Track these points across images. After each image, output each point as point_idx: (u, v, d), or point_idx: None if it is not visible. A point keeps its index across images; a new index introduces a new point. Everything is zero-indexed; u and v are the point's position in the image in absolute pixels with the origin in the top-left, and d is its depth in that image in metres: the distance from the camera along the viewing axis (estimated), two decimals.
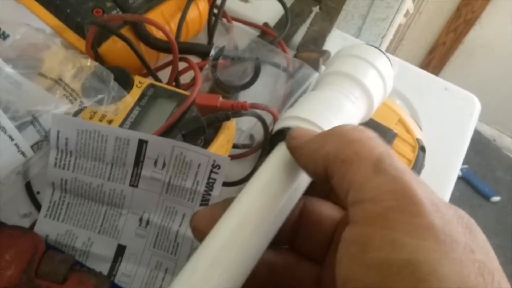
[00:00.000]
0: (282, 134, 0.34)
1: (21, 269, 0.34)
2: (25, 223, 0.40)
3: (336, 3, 0.60)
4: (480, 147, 1.97)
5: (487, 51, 1.79)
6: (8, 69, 0.37)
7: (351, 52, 0.41)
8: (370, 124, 0.44)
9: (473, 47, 1.81)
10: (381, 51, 0.41)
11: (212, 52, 0.45)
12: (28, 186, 0.42)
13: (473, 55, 1.82)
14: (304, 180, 0.33)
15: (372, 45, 0.41)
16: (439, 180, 0.50)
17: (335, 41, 0.59)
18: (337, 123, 0.34)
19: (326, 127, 0.33)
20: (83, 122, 0.36)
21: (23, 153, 0.34)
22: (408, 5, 0.85)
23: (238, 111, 0.39)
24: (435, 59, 1.89)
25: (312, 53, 0.55)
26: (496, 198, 1.79)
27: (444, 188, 0.50)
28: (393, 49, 1.91)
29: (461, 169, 1.80)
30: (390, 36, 0.70)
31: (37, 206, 0.41)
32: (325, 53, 0.55)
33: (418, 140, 0.45)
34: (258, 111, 0.42)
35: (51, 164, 0.38)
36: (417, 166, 0.44)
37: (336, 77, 0.39)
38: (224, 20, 0.56)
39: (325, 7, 0.60)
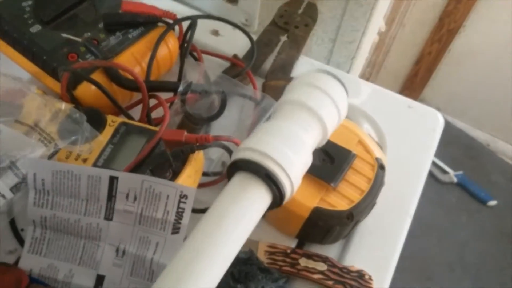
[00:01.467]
0: (238, 164, 0.38)
1: None
2: (11, 259, 0.43)
3: (303, 31, 0.64)
4: (474, 152, 1.99)
5: (475, 58, 1.83)
6: None
7: (307, 81, 0.43)
8: (330, 146, 0.47)
9: (460, 55, 1.85)
10: (336, 78, 0.44)
11: (181, 88, 0.49)
12: (13, 224, 0.45)
13: (461, 62, 1.86)
14: (257, 210, 0.37)
15: (327, 72, 0.43)
16: (403, 194, 0.53)
17: (303, 67, 0.62)
18: (290, 153, 0.38)
19: (280, 158, 0.37)
20: (57, 164, 0.39)
21: (2, 196, 0.37)
22: (380, 25, 0.88)
23: (203, 143, 0.42)
24: (422, 69, 1.92)
25: (280, 81, 0.58)
26: (492, 202, 1.80)
27: (409, 202, 0.52)
28: (380, 61, 1.95)
29: (457, 175, 1.81)
30: (360, 58, 0.74)
31: (22, 242, 0.44)
32: (292, 80, 0.58)
33: (377, 159, 0.48)
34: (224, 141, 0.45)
35: (31, 203, 0.41)
36: (377, 183, 0.46)
37: (291, 106, 0.42)
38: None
39: (292, 36, 0.63)
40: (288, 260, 0.46)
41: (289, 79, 0.58)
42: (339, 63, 0.75)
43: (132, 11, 0.52)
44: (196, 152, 0.43)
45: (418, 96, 2.06)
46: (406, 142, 0.57)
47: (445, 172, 1.80)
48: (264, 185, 0.37)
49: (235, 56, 0.60)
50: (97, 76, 0.47)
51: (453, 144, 1.94)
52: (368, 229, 0.50)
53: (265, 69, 0.61)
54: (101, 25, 0.52)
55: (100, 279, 0.42)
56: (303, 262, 0.46)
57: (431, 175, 1.80)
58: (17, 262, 0.42)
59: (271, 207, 0.38)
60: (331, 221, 0.45)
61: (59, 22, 0.51)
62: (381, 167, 0.48)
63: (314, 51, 0.76)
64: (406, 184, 0.54)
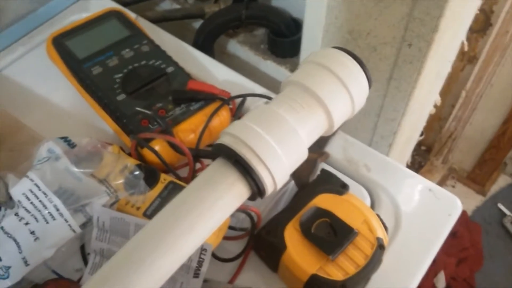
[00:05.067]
0: (216, 149, 0.36)
1: None
2: (76, 277, 0.56)
3: None
4: None
5: None
6: (74, 168, 0.55)
7: (313, 58, 0.38)
8: (336, 221, 0.55)
9: None
10: (350, 53, 0.38)
11: None
12: (82, 249, 0.58)
13: None
14: (225, 197, 0.35)
15: (339, 47, 0.38)
16: (407, 270, 0.59)
17: (336, 142, 0.70)
18: (271, 139, 0.34)
19: (255, 143, 0.34)
20: (114, 212, 0.53)
21: (73, 230, 0.51)
22: (436, 99, 0.93)
23: None
24: (510, 129, 1.86)
25: (313, 153, 0.67)
26: None
27: (412, 278, 0.58)
28: (466, 118, 1.93)
29: None
30: (402, 132, 0.80)
31: (87, 263, 0.58)
32: (323, 154, 0.67)
33: (378, 239, 0.54)
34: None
35: (93, 238, 0.54)
36: (373, 260, 0.53)
37: (289, 87, 0.38)
38: None
39: None
40: None
41: (321, 153, 0.67)
42: (383, 136, 0.82)
43: (195, 89, 0.65)
44: None
45: (505, 155, 1.99)
46: (422, 222, 0.63)
47: None
48: (236, 172, 0.33)
49: None
50: (158, 142, 0.60)
51: None
52: None
53: None
54: (170, 98, 0.65)
55: None
56: None
57: None
58: (80, 279, 0.56)
59: (252, 198, 0.36)
60: None
61: (139, 93, 0.66)
62: (380, 247, 0.54)
63: (362, 122, 0.83)
64: (412, 262, 0.59)
